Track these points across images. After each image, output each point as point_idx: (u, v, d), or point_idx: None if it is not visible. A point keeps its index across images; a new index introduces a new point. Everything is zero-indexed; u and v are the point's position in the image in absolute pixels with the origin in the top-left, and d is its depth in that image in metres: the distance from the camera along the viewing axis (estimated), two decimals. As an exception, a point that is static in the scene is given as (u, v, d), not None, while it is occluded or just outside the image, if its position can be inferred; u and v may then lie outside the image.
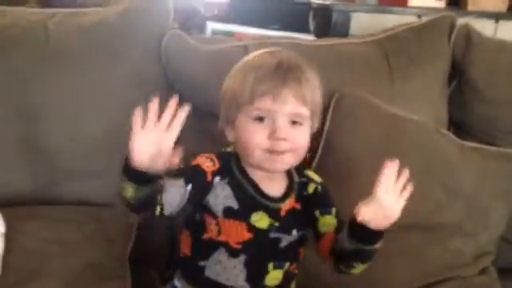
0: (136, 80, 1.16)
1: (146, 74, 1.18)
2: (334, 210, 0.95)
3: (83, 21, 1.14)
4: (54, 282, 0.81)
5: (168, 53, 1.18)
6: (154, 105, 0.71)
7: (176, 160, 0.72)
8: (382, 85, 1.23)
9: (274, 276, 0.92)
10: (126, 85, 1.15)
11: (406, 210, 1.10)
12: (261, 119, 0.84)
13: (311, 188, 0.95)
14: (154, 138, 0.70)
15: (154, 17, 1.21)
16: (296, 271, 0.96)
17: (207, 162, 0.87)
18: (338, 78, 1.21)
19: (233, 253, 0.88)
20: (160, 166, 0.71)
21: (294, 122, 0.85)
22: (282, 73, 0.84)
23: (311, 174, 0.98)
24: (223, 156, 0.91)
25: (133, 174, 0.72)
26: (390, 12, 1.94)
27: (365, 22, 1.91)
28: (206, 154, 0.89)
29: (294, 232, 0.92)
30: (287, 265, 0.93)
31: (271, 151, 0.85)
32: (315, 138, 1.16)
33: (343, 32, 1.86)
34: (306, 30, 1.96)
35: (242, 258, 0.89)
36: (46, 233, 0.92)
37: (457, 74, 1.35)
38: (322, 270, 1.08)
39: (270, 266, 0.91)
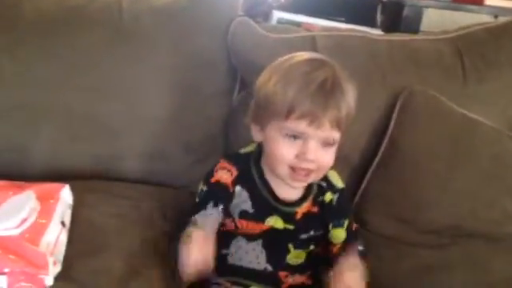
0: (200, 63, 1.17)
1: (211, 57, 1.18)
2: (345, 223, 0.97)
3: (156, 1, 1.16)
4: (116, 255, 0.84)
5: (235, 39, 1.18)
6: None
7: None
8: (454, 85, 1.17)
9: (296, 255, 0.93)
10: (191, 67, 1.16)
11: (472, 218, 1.08)
12: (294, 137, 0.84)
13: (328, 197, 0.95)
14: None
15: (223, 2, 1.21)
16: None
17: (224, 174, 0.90)
18: (407, 74, 1.16)
19: (250, 238, 0.91)
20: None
21: (324, 144, 0.85)
22: (324, 97, 0.82)
23: (332, 176, 0.97)
24: (240, 160, 0.93)
25: None
26: (465, 10, 1.86)
27: (437, 19, 1.84)
28: (221, 164, 0.92)
29: (312, 232, 0.93)
30: (311, 247, 0.94)
31: (296, 169, 0.85)
32: (374, 134, 1.15)
33: (414, 28, 1.81)
34: (372, 24, 1.91)
35: (260, 241, 0.91)
36: (108, 208, 0.94)
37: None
38: (383, 270, 1.06)
39: (290, 246, 0.92)
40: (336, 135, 0.85)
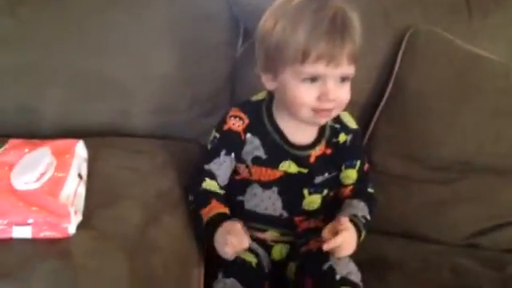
0: (200, 15, 1.16)
1: (211, 9, 1.17)
2: (358, 164, 0.97)
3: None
4: (134, 205, 0.85)
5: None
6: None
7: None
8: (459, 21, 1.16)
9: (311, 200, 0.95)
10: (191, 20, 1.15)
11: (480, 153, 1.09)
12: (311, 79, 0.83)
13: (342, 138, 0.95)
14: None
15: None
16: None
17: (236, 122, 0.91)
18: (412, 13, 1.15)
19: (265, 185, 0.92)
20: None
21: (342, 80, 0.85)
22: (337, 33, 0.80)
23: (346, 118, 0.97)
24: (251, 108, 0.93)
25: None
26: None
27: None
28: (233, 112, 0.93)
29: (326, 174, 0.94)
30: (325, 191, 0.95)
31: (319, 110, 0.85)
32: (380, 76, 1.15)
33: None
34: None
35: (275, 188, 0.93)
36: (122, 161, 0.96)
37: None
38: (393, 209, 1.08)
39: (305, 191, 0.94)
40: (352, 70, 0.84)
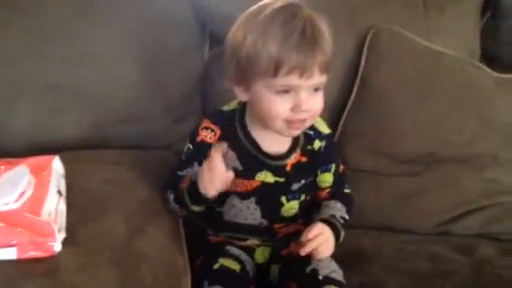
0: (167, 22, 1.16)
1: (176, 15, 1.17)
2: (333, 167, 0.99)
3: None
4: (117, 217, 0.85)
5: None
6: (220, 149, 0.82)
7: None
8: (416, 18, 1.22)
9: (290, 207, 0.96)
10: (158, 27, 1.15)
11: (444, 144, 1.15)
12: (284, 91, 0.83)
13: (316, 144, 0.96)
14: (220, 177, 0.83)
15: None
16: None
17: (208, 134, 0.91)
18: (372, 12, 1.20)
19: (243, 196, 0.93)
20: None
21: (314, 90, 0.85)
22: (308, 44, 0.80)
23: (319, 124, 0.97)
24: (223, 118, 0.93)
25: (203, 201, 0.87)
26: None
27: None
28: (204, 123, 0.92)
29: (303, 181, 0.95)
30: (303, 197, 0.97)
31: (292, 121, 0.85)
32: (347, 75, 1.19)
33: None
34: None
35: (253, 198, 0.93)
36: (100, 174, 0.95)
37: (490, 5, 1.33)
38: (366, 204, 1.12)
39: (283, 199, 0.95)
40: (324, 79, 0.85)
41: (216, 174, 0.82)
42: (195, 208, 0.90)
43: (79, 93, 1.09)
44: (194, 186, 0.86)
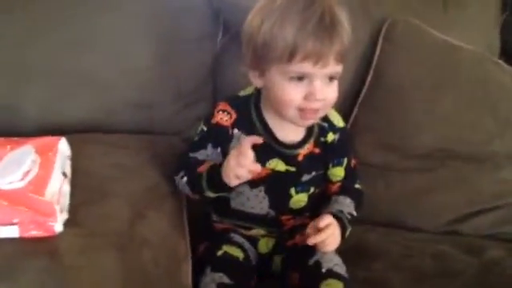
0: (182, 8, 1.15)
1: (190, 2, 1.16)
2: (345, 161, 0.97)
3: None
4: (120, 201, 0.85)
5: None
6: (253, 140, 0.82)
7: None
8: (434, 11, 1.19)
9: (298, 199, 0.95)
10: (169, 14, 1.14)
11: (458, 141, 1.12)
12: (298, 78, 0.82)
13: (330, 137, 0.95)
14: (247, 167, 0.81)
15: None
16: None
17: (224, 116, 0.90)
18: (389, 4, 1.18)
19: (252, 184, 0.91)
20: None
21: (329, 79, 0.84)
22: (325, 32, 0.79)
23: (333, 116, 0.96)
24: (239, 103, 0.92)
25: (222, 188, 0.86)
26: None
27: None
28: (221, 106, 0.91)
29: (313, 173, 0.94)
30: (312, 189, 0.95)
31: (305, 109, 0.84)
32: (359, 67, 1.16)
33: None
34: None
35: (262, 187, 0.92)
36: (106, 157, 0.95)
37: (510, 0, 1.29)
38: (374, 199, 1.10)
39: (292, 191, 0.94)
40: (339, 69, 0.83)
41: (244, 164, 0.80)
42: (210, 194, 0.89)
43: (89, 77, 1.09)
44: (214, 171, 0.85)
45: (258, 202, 0.93)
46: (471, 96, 1.13)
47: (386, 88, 1.15)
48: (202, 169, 0.88)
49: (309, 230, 0.86)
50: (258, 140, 0.82)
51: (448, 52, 1.15)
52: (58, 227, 0.75)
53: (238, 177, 0.82)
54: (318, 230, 0.85)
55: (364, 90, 1.18)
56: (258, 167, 0.81)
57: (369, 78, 1.16)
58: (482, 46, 1.21)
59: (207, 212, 1.00)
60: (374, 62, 1.15)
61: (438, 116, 1.12)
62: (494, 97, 1.14)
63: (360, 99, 1.17)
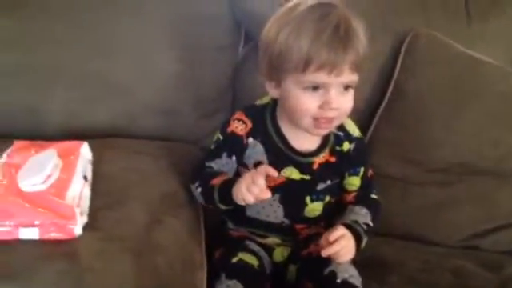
0: (204, 18, 1.17)
1: (212, 12, 1.17)
2: (361, 171, 0.97)
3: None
4: (138, 206, 0.86)
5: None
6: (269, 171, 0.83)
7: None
8: (458, 25, 1.18)
9: (313, 208, 0.95)
10: (195, 23, 1.15)
11: (478, 156, 1.11)
12: (313, 88, 0.83)
13: (346, 146, 0.95)
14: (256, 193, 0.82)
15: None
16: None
17: (239, 125, 0.92)
18: (412, 17, 1.17)
19: None
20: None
21: (345, 88, 0.84)
22: (340, 43, 0.80)
23: (349, 126, 0.96)
24: (255, 112, 0.93)
25: (231, 204, 0.87)
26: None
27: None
28: (237, 115, 0.93)
29: (329, 181, 0.94)
30: (327, 198, 0.95)
31: (320, 118, 0.84)
32: (379, 80, 1.16)
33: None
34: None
35: (277, 196, 0.92)
36: (126, 163, 0.96)
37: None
38: (391, 211, 1.09)
39: (307, 199, 0.94)
40: (355, 78, 0.84)
41: (253, 192, 0.81)
42: (222, 206, 0.90)
43: (112, 83, 1.11)
44: (226, 187, 0.87)
45: (273, 211, 0.94)
46: (493, 111, 1.11)
47: (407, 101, 1.14)
48: (216, 182, 0.90)
49: (322, 242, 0.86)
50: (274, 173, 0.83)
51: (471, 66, 1.14)
52: (78, 230, 0.77)
53: (245, 201, 0.83)
54: (330, 242, 0.85)
55: (384, 102, 1.17)
56: (267, 195, 0.82)
57: (389, 91, 1.16)
58: (505, 61, 1.19)
59: (223, 219, 1.01)
60: (396, 75, 1.15)
61: (459, 131, 1.11)
62: (515, 112, 1.12)
63: (380, 111, 1.17)
